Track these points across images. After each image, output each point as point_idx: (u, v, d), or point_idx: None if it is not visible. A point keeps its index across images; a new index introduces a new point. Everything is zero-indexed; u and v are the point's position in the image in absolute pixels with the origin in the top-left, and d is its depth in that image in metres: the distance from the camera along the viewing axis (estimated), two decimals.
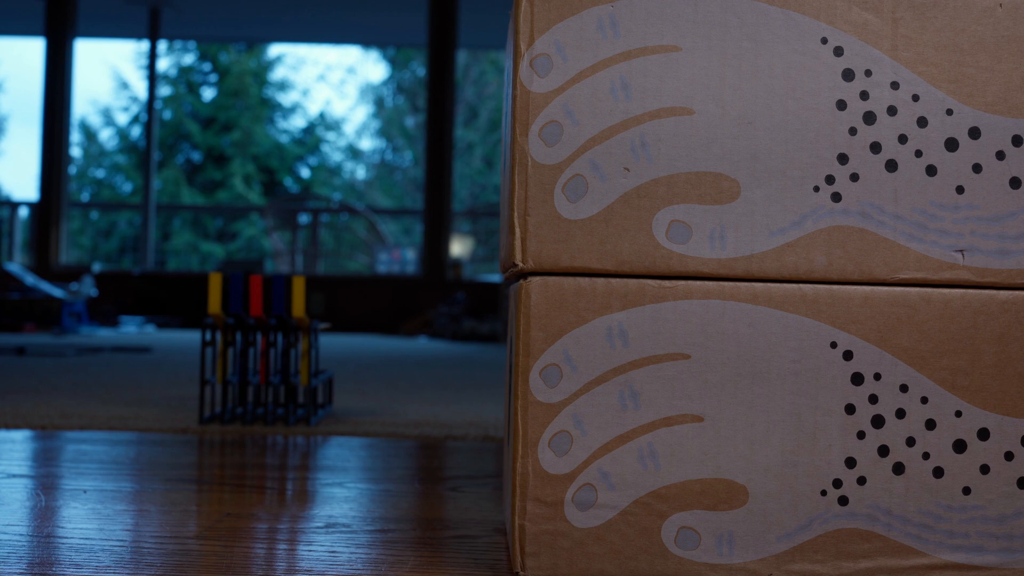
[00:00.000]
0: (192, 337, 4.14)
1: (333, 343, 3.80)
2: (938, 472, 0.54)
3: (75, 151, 12.61)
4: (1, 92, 14.39)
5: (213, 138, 12.57)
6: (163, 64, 12.51)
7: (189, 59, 12.79)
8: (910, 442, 0.54)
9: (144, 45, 10.91)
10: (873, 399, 0.54)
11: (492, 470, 0.94)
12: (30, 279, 4.78)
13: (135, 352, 2.93)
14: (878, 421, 0.54)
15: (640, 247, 0.54)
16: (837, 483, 0.54)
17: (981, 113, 0.54)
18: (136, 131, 12.92)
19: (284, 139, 13.22)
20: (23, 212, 6.59)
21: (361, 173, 14.01)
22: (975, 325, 0.54)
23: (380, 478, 0.89)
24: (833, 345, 0.54)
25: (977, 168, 0.54)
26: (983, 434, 0.54)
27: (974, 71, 0.54)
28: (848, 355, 0.54)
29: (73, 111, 5.96)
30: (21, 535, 0.64)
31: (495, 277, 5.75)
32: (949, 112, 0.54)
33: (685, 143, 0.54)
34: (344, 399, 1.57)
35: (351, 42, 8.65)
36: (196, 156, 12.69)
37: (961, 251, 0.54)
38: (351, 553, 0.61)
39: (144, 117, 7.63)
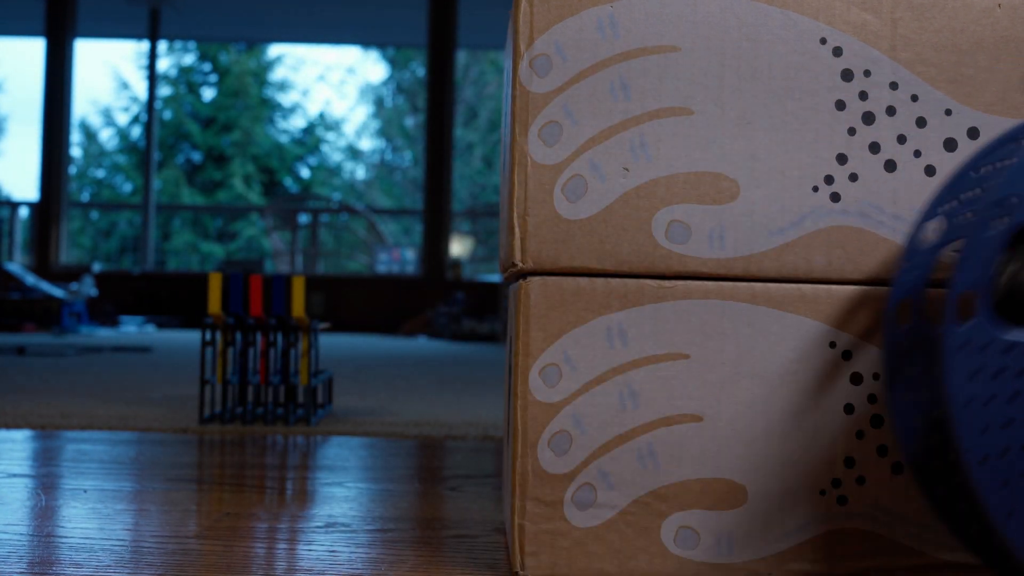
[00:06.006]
0: (192, 337, 4.14)
1: (333, 343, 3.80)
2: None
3: (75, 151, 12.61)
4: (1, 92, 14.39)
5: (213, 138, 12.57)
6: (163, 64, 12.52)
7: (189, 59, 12.78)
8: None
9: (144, 45, 10.91)
10: (872, 398, 0.54)
11: (492, 470, 0.94)
12: (30, 279, 4.78)
13: (135, 352, 2.93)
14: (877, 420, 0.54)
15: (639, 247, 0.54)
16: (836, 483, 0.54)
17: (980, 113, 0.54)
18: (136, 131, 12.92)
19: (284, 139, 13.22)
20: (23, 212, 6.59)
21: (361, 173, 14.01)
22: None
23: (380, 478, 0.89)
24: (832, 345, 0.54)
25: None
26: None
27: (973, 71, 0.54)
28: (847, 355, 0.54)
29: (73, 111, 5.96)
30: (22, 534, 0.64)
31: (495, 277, 5.75)
32: (948, 112, 0.54)
33: (684, 143, 0.54)
34: (344, 399, 1.58)
35: (351, 42, 8.65)
36: (196, 156, 12.69)
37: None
38: (351, 552, 0.61)
39: (144, 117, 7.64)
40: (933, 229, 0.50)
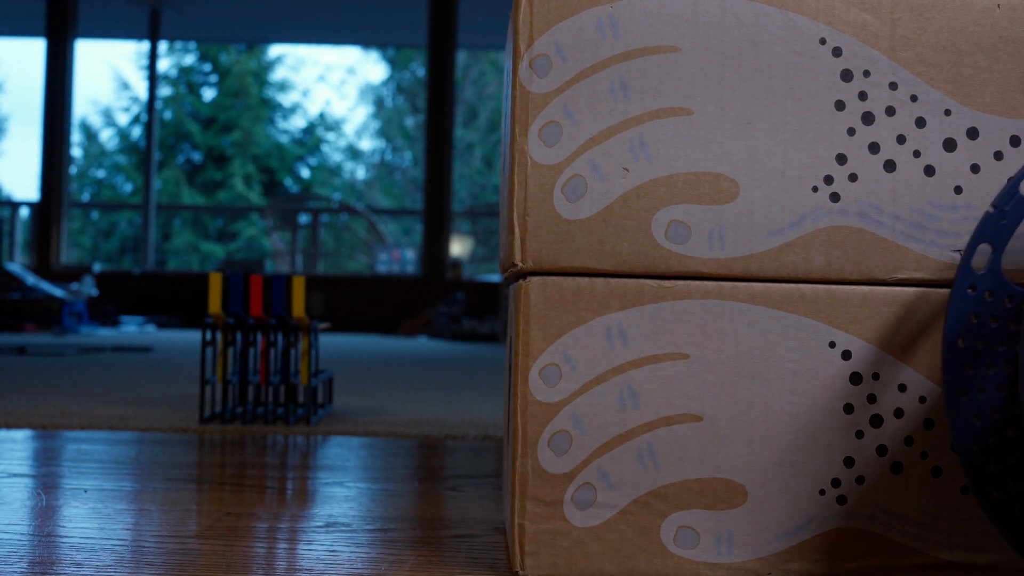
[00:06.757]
0: (192, 337, 4.14)
1: (333, 343, 3.80)
2: (936, 471, 0.54)
3: (76, 151, 12.60)
4: (2, 92, 14.40)
5: (213, 138, 12.58)
6: (163, 64, 12.52)
7: (189, 59, 12.79)
8: (908, 441, 0.54)
9: (144, 45, 10.91)
10: (872, 398, 0.54)
11: (492, 470, 0.94)
12: (31, 279, 4.78)
13: (135, 352, 2.93)
14: (876, 420, 0.54)
15: (639, 247, 0.54)
16: (836, 482, 0.54)
17: (979, 113, 0.54)
18: (137, 131, 12.93)
19: (284, 139, 13.22)
20: (24, 212, 6.59)
21: (361, 173, 14.02)
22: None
23: (380, 477, 0.89)
24: (832, 345, 0.54)
25: (975, 168, 0.54)
26: None
27: (972, 71, 0.54)
28: (847, 355, 0.54)
29: (74, 111, 5.96)
30: (22, 534, 0.64)
31: (495, 277, 5.75)
32: (947, 112, 0.54)
33: (684, 143, 0.54)
34: (344, 399, 1.58)
35: (351, 42, 8.65)
36: (196, 156, 12.70)
37: (959, 251, 0.54)
38: (351, 552, 0.61)
39: (145, 117, 7.64)
40: None
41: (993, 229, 0.48)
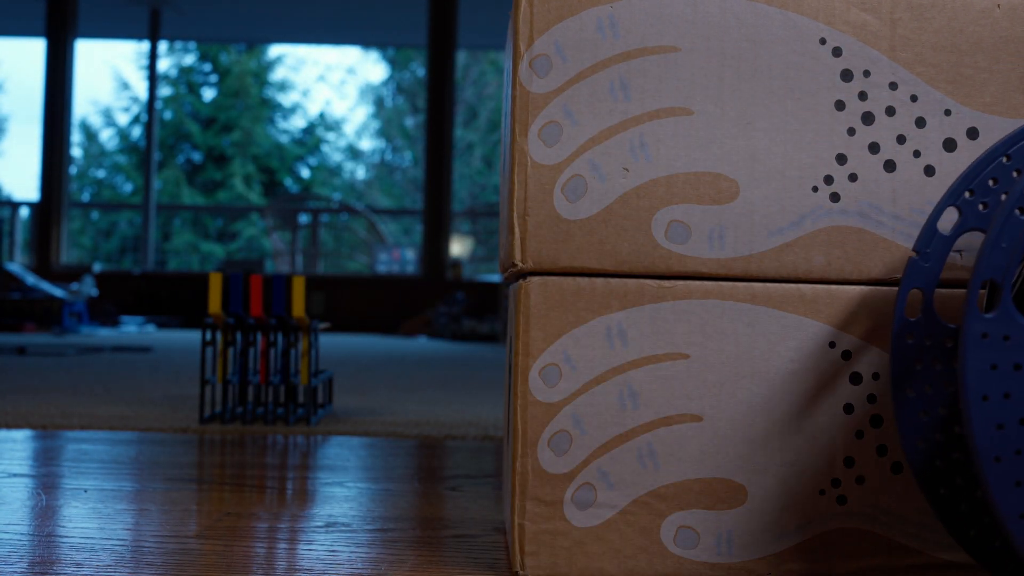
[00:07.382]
0: (192, 337, 4.14)
1: (333, 343, 3.80)
2: None
3: (76, 151, 12.60)
4: (2, 92, 14.40)
5: (213, 138, 12.58)
6: (163, 64, 12.52)
7: (189, 59, 12.79)
8: None
9: (144, 46, 10.91)
10: (872, 398, 0.54)
11: (492, 470, 0.94)
12: (31, 279, 4.78)
13: (135, 352, 2.93)
14: (876, 420, 0.54)
15: (639, 247, 0.54)
16: (836, 482, 0.54)
17: (979, 114, 0.54)
18: (137, 131, 12.93)
19: (284, 139, 13.22)
20: (24, 212, 6.59)
21: (361, 173, 14.01)
22: None
23: (380, 477, 0.89)
24: (832, 345, 0.54)
25: None
26: None
27: (972, 72, 0.54)
28: (847, 355, 0.54)
29: (74, 111, 5.96)
30: (22, 534, 0.64)
31: (495, 277, 5.75)
32: (947, 112, 0.54)
33: (684, 143, 0.54)
34: (344, 399, 1.58)
35: (351, 43, 8.65)
36: (196, 156, 12.69)
37: (959, 251, 0.54)
38: (351, 552, 0.61)
39: (144, 117, 7.64)
40: (949, 219, 0.49)
41: (919, 274, 0.48)
